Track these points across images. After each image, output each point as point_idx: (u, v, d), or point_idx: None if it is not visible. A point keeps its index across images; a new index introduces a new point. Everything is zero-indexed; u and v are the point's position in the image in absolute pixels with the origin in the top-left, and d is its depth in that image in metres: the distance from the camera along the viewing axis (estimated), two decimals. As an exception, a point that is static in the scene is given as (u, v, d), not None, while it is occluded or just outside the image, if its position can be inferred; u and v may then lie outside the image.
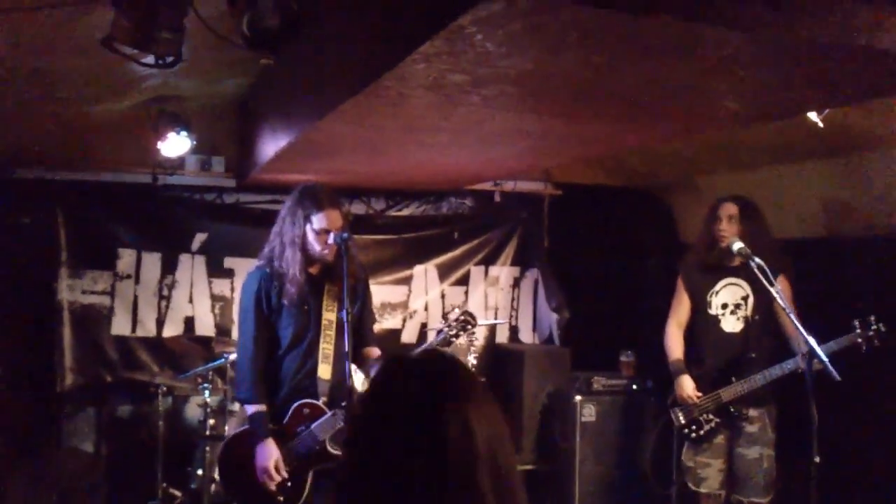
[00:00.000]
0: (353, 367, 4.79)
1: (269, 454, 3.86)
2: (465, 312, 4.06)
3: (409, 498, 1.34)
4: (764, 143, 5.23)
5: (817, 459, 3.75)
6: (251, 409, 3.96)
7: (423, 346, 4.01)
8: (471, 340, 4.37)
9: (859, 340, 4.40)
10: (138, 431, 6.17)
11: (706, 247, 4.86)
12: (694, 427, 4.84)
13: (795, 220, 5.52)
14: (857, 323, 4.42)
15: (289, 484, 3.91)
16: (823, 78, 2.88)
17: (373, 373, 4.03)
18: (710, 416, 4.80)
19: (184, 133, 5.08)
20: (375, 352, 4.22)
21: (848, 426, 4.89)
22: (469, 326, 4.04)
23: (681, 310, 5.09)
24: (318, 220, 3.90)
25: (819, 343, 4.33)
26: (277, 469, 3.86)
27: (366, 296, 4.23)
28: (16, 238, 5.99)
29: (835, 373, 3.87)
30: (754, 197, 4.94)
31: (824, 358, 3.87)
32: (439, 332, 4.05)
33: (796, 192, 5.52)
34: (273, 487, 3.87)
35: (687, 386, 4.85)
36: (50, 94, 4.38)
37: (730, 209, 4.80)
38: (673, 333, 5.07)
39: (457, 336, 4.03)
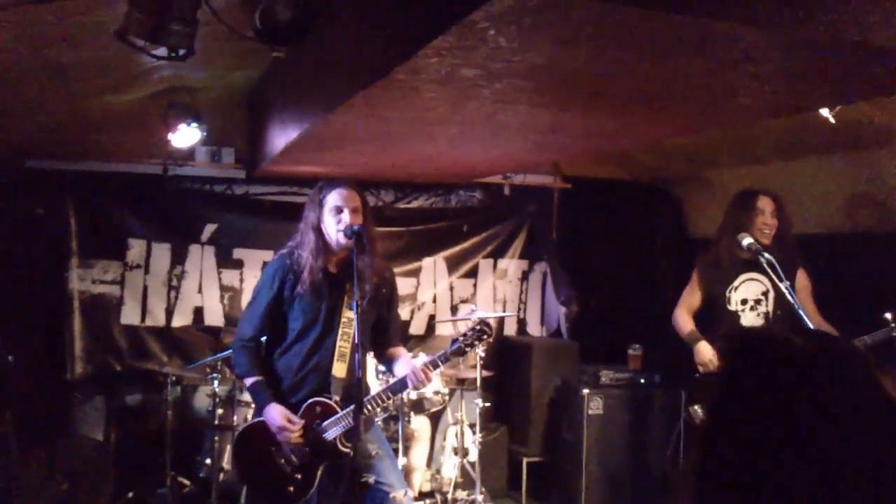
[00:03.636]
0: (374, 363, 4.84)
1: (278, 414, 3.86)
2: (482, 322, 4.09)
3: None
4: (774, 138, 5.22)
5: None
6: (249, 380, 3.99)
7: (439, 355, 4.01)
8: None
9: (895, 335, 4.37)
10: (147, 420, 6.20)
11: (734, 242, 4.59)
12: None
13: (811, 214, 5.49)
14: (889, 316, 4.38)
15: (299, 476, 3.93)
16: (837, 74, 2.88)
17: (399, 369, 4.05)
18: None
19: (194, 124, 5.08)
20: (401, 351, 4.24)
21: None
22: (485, 337, 4.07)
23: (692, 299, 5.01)
24: (331, 199, 3.91)
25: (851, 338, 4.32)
26: (291, 421, 3.86)
27: (391, 296, 4.22)
28: (28, 228, 6.02)
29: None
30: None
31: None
32: (454, 341, 4.05)
33: (809, 187, 5.50)
34: (294, 439, 3.87)
35: (706, 351, 4.75)
36: (62, 86, 4.38)
37: (770, 202, 4.71)
38: (682, 314, 4.99)
39: (472, 346, 4.05)
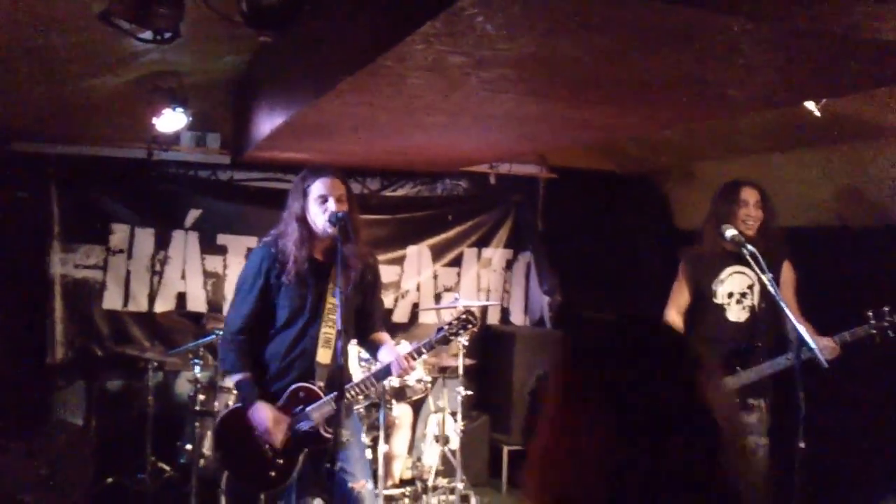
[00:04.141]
0: (357, 348, 4.82)
1: (264, 415, 3.85)
2: (468, 311, 4.08)
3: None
4: (760, 131, 5.22)
5: (802, 445, 3.76)
6: (236, 377, 3.98)
7: (424, 343, 4.00)
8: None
9: (874, 332, 4.35)
10: (128, 406, 6.18)
11: (718, 234, 4.53)
12: None
13: (796, 208, 5.50)
14: (870, 314, 4.33)
15: (280, 461, 3.92)
16: (825, 67, 2.88)
17: (383, 356, 4.05)
18: None
19: (179, 109, 5.05)
20: (385, 337, 4.23)
21: (836, 414, 4.91)
22: (470, 326, 4.06)
23: (680, 298, 4.92)
24: (316, 188, 3.88)
25: (833, 334, 4.31)
26: (278, 423, 3.86)
27: (375, 282, 4.21)
28: (11, 211, 5.97)
29: (823, 361, 3.89)
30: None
31: (813, 346, 3.87)
32: (439, 329, 4.05)
33: (795, 180, 5.51)
34: (278, 445, 3.87)
35: None
36: (46, 69, 4.34)
37: (754, 194, 4.63)
38: (672, 316, 4.89)
39: (457, 335, 4.05)
